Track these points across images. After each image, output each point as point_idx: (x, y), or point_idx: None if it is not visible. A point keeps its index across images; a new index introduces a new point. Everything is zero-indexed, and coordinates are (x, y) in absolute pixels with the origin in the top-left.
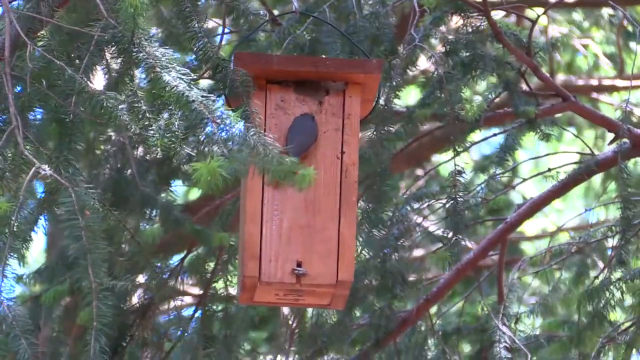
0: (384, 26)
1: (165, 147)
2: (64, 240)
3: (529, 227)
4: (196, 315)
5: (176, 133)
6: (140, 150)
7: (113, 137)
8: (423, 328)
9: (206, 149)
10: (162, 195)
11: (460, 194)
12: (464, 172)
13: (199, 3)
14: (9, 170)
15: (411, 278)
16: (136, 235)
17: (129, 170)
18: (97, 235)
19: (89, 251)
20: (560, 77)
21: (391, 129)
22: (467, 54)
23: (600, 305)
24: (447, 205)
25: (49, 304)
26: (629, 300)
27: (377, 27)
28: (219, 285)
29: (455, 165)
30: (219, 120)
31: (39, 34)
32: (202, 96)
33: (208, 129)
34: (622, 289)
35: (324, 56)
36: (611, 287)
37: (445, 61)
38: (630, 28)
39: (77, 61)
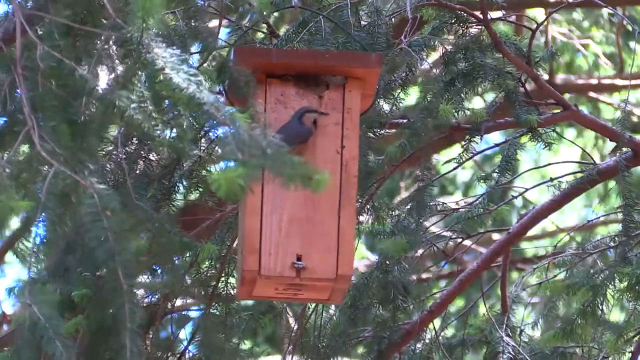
0: (379, 35)
1: (173, 147)
2: (88, 241)
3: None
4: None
5: (184, 134)
6: (140, 165)
7: (113, 153)
8: (427, 340)
9: (217, 151)
10: (164, 210)
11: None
12: (433, 169)
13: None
14: (25, 171)
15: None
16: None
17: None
18: (123, 236)
19: (117, 252)
20: (560, 77)
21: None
22: (467, 63)
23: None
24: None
25: (69, 333)
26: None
27: (372, 36)
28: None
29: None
30: (229, 122)
31: (41, 31)
32: (213, 98)
33: (220, 131)
34: (613, 276)
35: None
36: (604, 273)
37: (446, 69)
38: (630, 28)
39: (81, 62)
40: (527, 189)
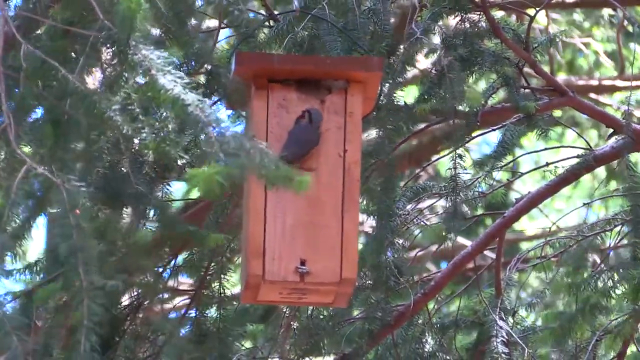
0: (383, 22)
1: (158, 150)
2: (55, 238)
3: (528, 227)
4: (190, 311)
5: (170, 136)
6: (135, 145)
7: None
8: (420, 321)
9: (202, 152)
10: (158, 193)
11: (460, 180)
12: (465, 156)
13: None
14: (1, 169)
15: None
16: (129, 235)
17: (124, 165)
18: (88, 234)
19: (80, 250)
20: (561, 78)
21: (392, 124)
22: (466, 49)
23: (592, 291)
24: (448, 198)
25: (41, 302)
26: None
27: (376, 23)
28: (214, 285)
29: (455, 153)
30: (214, 124)
31: (34, 34)
32: (198, 100)
33: (204, 133)
34: (613, 277)
35: (325, 55)
36: (603, 275)
37: (446, 54)
38: (630, 28)
39: (71, 61)
40: (522, 173)
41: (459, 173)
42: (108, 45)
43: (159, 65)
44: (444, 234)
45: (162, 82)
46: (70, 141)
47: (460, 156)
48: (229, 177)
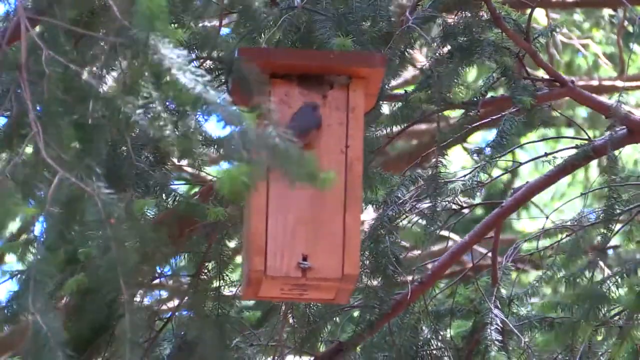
0: (380, 8)
1: (181, 148)
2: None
3: (528, 227)
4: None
5: (192, 133)
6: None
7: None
8: (416, 309)
9: (225, 150)
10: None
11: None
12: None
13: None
14: (31, 177)
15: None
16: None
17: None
18: (126, 246)
19: (120, 263)
20: None
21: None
22: (465, 38)
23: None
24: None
25: (68, 291)
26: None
27: (373, 8)
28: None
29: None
30: (237, 122)
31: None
32: (221, 98)
33: (227, 132)
34: (617, 283)
35: (323, 42)
36: (607, 282)
37: (445, 44)
38: (630, 28)
39: (86, 65)
40: (521, 163)
41: (440, 172)
42: (127, 46)
43: (179, 63)
44: (421, 238)
45: (183, 81)
46: (96, 146)
47: (443, 154)
48: (254, 176)
